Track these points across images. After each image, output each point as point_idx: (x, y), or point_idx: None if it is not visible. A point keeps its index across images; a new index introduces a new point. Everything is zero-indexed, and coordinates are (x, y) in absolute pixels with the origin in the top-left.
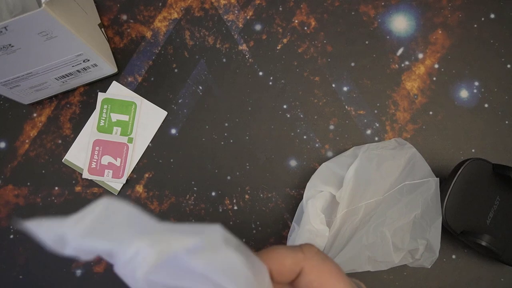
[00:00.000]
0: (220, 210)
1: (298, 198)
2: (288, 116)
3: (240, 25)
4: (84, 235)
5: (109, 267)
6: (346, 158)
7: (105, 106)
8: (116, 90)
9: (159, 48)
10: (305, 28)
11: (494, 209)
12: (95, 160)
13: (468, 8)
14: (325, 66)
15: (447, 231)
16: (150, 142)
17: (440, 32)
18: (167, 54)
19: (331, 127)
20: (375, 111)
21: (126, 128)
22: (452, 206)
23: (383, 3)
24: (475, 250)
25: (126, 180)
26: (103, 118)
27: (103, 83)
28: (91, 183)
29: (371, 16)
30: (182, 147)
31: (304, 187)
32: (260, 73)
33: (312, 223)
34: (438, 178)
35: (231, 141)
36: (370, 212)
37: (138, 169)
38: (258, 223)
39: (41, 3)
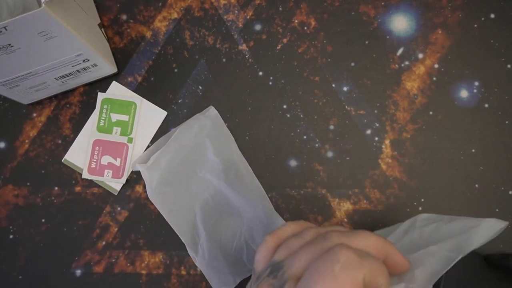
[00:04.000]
0: None
1: (298, 198)
2: (288, 116)
3: (240, 25)
4: None
5: (108, 267)
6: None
7: (105, 106)
8: (116, 90)
9: (159, 48)
10: (305, 28)
11: None
12: (95, 160)
13: (468, 8)
14: (325, 66)
15: None
16: (150, 142)
17: (440, 32)
18: (167, 54)
19: (331, 127)
20: (375, 111)
21: (126, 128)
22: None
23: (383, 3)
24: None
25: (126, 180)
26: (103, 118)
27: (103, 83)
28: (91, 183)
29: (371, 16)
30: None
31: (304, 187)
32: (260, 73)
33: None
34: None
35: None
36: None
37: None
38: None
39: (41, 3)
